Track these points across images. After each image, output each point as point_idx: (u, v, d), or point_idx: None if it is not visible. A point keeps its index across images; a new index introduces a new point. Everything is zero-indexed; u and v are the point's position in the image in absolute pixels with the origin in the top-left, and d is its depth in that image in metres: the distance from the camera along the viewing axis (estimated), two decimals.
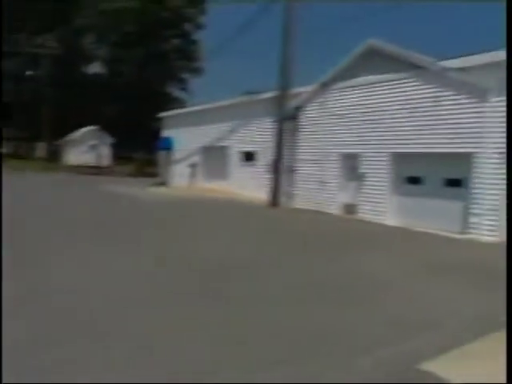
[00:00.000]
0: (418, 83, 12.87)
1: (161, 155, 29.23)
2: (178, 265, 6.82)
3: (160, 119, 29.10)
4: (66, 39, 44.36)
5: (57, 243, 8.08)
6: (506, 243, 10.59)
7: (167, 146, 26.69)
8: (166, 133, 27.54)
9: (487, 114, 11.27)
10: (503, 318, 4.83)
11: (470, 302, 5.62)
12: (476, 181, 11.43)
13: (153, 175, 31.11)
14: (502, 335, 4.40)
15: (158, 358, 3.57)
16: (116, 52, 45.09)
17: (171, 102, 46.95)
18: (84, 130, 43.46)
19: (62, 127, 41.36)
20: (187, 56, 46.54)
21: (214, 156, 22.73)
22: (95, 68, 49.22)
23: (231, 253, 8.04)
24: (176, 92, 49.80)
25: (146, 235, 9.44)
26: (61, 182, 25.46)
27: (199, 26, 46.16)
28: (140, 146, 40.39)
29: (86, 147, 42.56)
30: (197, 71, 48.05)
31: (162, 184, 26.09)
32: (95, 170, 37.03)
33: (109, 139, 43.99)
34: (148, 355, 3.62)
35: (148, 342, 3.90)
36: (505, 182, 10.96)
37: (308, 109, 16.65)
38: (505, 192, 10.98)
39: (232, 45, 47.73)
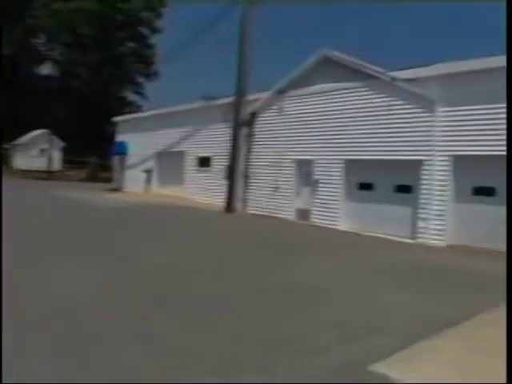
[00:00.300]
0: (370, 92, 13.25)
1: (115, 160, 28.68)
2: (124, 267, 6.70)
3: (115, 123, 28.53)
4: (16, 38, 42.83)
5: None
6: (453, 247, 11.06)
7: (122, 150, 26.19)
8: (120, 137, 27.02)
9: (435, 124, 11.73)
10: (448, 317, 5.04)
11: (418, 304, 5.79)
12: (424, 187, 11.86)
13: (107, 180, 30.46)
14: (449, 333, 4.58)
15: None
16: (69, 54, 43.94)
17: (126, 106, 46.14)
18: (34, 133, 41.92)
19: (11, 130, 39.77)
20: (143, 60, 45.93)
21: (169, 161, 22.48)
22: (47, 69, 47.75)
23: (183, 258, 7.96)
24: (131, 96, 49.05)
25: (97, 241, 9.21)
26: (9, 188, 24.44)
27: (155, 30, 45.68)
28: (94, 151, 39.40)
29: (37, 151, 41.06)
30: (153, 75, 47.50)
31: (117, 189, 25.56)
32: (46, 175, 35.79)
33: (60, 143, 42.62)
34: None
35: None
36: (448, 188, 11.45)
37: (263, 115, 16.79)
38: (451, 198, 11.47)
39: (189, 49, 47.58)
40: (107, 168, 35.04)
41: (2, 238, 7.69)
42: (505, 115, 10.51)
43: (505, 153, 10.51)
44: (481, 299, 6.06)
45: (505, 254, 9.89)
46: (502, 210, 10.63)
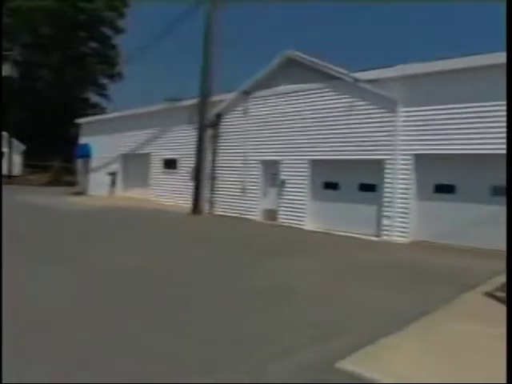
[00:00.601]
0: (333, 93, 13.43)
1: (79, 163, 28.09)
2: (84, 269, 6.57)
3: (78, 126, 27.95)
4: None
5: None
6: (416, 243, 11.34)
7: (85, 153, 25.67)
8: (84, 140, 26.48)
9: (397, 124, 11.99)
10: (413, 312, 5.16)
11: (384, 300, 5.90)
12: (388, 186, 12.10)
13: (71, 184, 29.78)
14: (415, 328, 4.68)
15: None
16: (29, 54, 42.66)
17: (90, 108, 45.20)
18: None
19: None
20: (106, 60, 45.10)
21: (134, 164, 22.19)
22: (5, 70, 46.23)
23: (147, 262, 7.86)
24: (95, 98, 48.09)
25: (59, 246, 8.99)
26: None
27: (118, 30, 44.91)
28: (56, 154, 38.42)
29: None
30: (116, 76, 46.70)
31: (81, 193, 25.03)
32: (6, 180, 34.68)
33: (21, 146, 41.43)
34: None
35: None
36: (411, 186, 11.74)
37: (229, 116, 16.78)
38: (413, 196, 11.75)
39: (153, 50, 47.11)
40: (71, 171, 34.27)
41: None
42: (462, 114, 10.88)
43: (463, 151, 10.89)
44: (438, 293, 6.22)
45: (464, 249, 10.25)
46: (462, 207, 10.99)
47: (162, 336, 4.36)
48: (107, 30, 44.74)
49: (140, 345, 4.12)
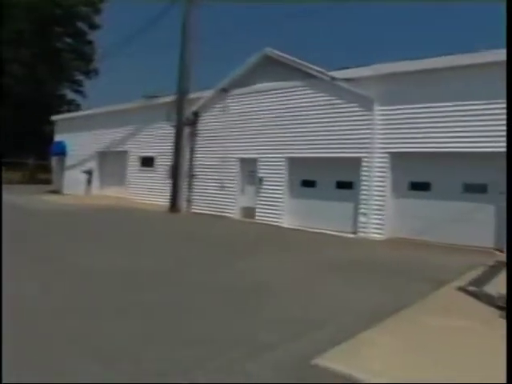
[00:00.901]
0: (311, 91, 13.50)
1: (54, 161, 27.61)
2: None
3: (53, 123, 27.46)
4: None
5: None
6: (392, 240, 11.51)
7: (60, 151, 25.23)
8: (59, 137, 26.03)
9: (374, 122, 12.12)
10: (388, 308, 5.23)
11: (358, 296, 5.97)
12: (364, 183, 12.24)
13: (46, 182, 29.22)
14: (390, 323, 4.75)
15: None
16: (2, 49, 41.65)
17: (65, 105, 44.40)
18: None
19: None
20: (82, 57, 44.35)
21: (111, 161, 21.93)
22: None
23: (115, 262, 7.79)
24: (71, 94, 47.23)
25: (29, 246, 8.83)
26: None
27: (94, 26, 44.20)
28: (31, 151, 37.63)
29: None
30: (92, 73, 45.98)
31: (56, 192, 24.61)
32: None
33: None
34: None
35: None
36: (387, 184, 11.90)
37: (207, 114, 16.72)
38: (389, 193, 11.92)
39: (130, 47, 46.59)
40: (46, 169, 33.62)
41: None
42: (437, 113, 11.08)
43: (436, 150, 11.09)
44: (412, 289, 6.33)
45: (439, 246, 10.45)
46: (437, 204, 11.20)
47: (131, 337, 4.32)
48: (83, 26, 44.00)
49: (106, 348, 4.08)
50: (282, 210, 13.99)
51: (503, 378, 3.47)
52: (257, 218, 14.58)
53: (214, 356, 3.85)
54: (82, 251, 8.56)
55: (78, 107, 42.94)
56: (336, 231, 12.41)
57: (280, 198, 14.07)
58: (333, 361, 3.77)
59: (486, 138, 10.29)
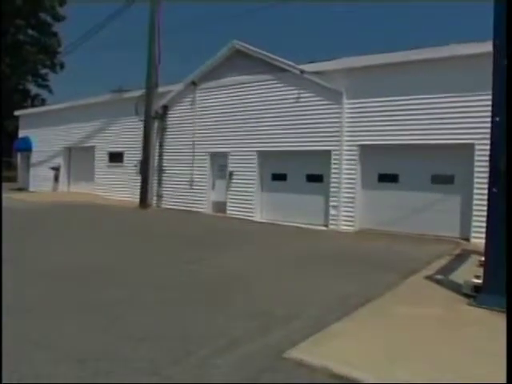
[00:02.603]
0: (281, 85, 13.50)
1: (19, 157, 26.84)
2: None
3: (17, 118, 26.65)
4: None
5: None
6: (361, 231, 11.66)
7: (26, 147, 24.53)
8: (23, 133, 25.29)
9: (343, 115, 12.22)
10: (359, 298, 5.29)
11: (330, 286, 6.02)
12: (334, 176, 12.35)
13: (10, 180, 28.37)
14: (362, 313, 4.80)
15: None
16: None
17: (30, 100, 43.18)
18: None
19: None
20: (46, 50, 43.10)
21: (79, 157, 21.46)
22: None
23: (86, 259, 7.65)
24: (35, 89, 45.91)
25: None
26: None
27: (59, 18, 42.95)
28: None
29: None
30: (58, 66, 44.76)
31: (22, 189, 23.95)
32: None
33: None
34: None
35: None
36: (356, 176, 12.04)
37: (176, 108, 16.52)
38: (359, 185, 12.06)
39: (96, 40, 45.47)
40: (10, 166, 32.69)
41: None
42: (404, 106, 11.26)
43: (405, 142, 11.28)
44: (383, 279, 6.43)
45: (407, 236, 10.66)
46: (404, 195, 11.40)
47: (95, 334, 4.25)
48: (47, 17, 42.68)
49: (78, 348, 3.99)
50: (254, 204, 13.99)
51: (474, 361, 3.56)
52: (228, 212, 14.54)
53: None
54: (40, 250, 8.35)
55: (43, 102, 41.82)
56: (307, 224, 12.50)
57: (251, 192, 14.06)
58: (305, 352, 3.78)
59: (453, 130, 10.53)
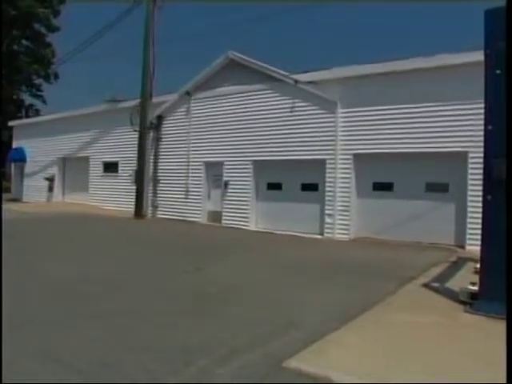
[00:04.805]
0: (275, 94, 13.59)
1: (12, 168, 26.74)
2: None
3: (11, 128, 26.59)
4: None
5: None
6: (357, 240, 11.70)
7: (20, 157, 24.46)
8: (17, 143, 25.22)
9: (337, 124, 12.31)
10: (357, 307, 5.31)
11: (329, 295, 6.03)
12: (329, 185, 12.41)
13: (4, 190, 28.20)
14: (360, 321, 4.81)
15: None
16: None
17: (24, 110, 43.11)
18: None
19: None
20: (40, 60, 43.13)
21: (73, 167, 21.43)
22: None
23: (82, 271, 7.62)
24: (30, 99, 45.85)
25: None
26: None
27: (53, 29, 43.05)
28: None
29: None
30: (52, 77, 44.77)
31: (16, 200, 23.84)
32: None
33: None
34: None
35: None
36: (351, 185, 12.11)
37: (171, 118, 16.57)
38: (353, 194, 12.12)
39: (91, 50, 45.65)
40: (4, 176, 32.49)
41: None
42: (398, 115, 11.37)
43: (399, 150, 11.37)
44: (380, 287, 6.45)
45: (403, 244, 10.70)
46: (399, 203, 11.47)
47: (96, 343, 4.23)
48: (41, 28, 42.77)
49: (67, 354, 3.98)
50: (249, 214, 14.00)
51: (474, 367, 3.58)
52: (224, 222, 14.54)
53: None
54: (33, 262, 8.31)
55: (37, 112, 41.77)
56: (303, 233, 12.53)
57: (246, 202, 14.08)
58: (303, 361, 3.78)
59: (447, 139, 10.63)
